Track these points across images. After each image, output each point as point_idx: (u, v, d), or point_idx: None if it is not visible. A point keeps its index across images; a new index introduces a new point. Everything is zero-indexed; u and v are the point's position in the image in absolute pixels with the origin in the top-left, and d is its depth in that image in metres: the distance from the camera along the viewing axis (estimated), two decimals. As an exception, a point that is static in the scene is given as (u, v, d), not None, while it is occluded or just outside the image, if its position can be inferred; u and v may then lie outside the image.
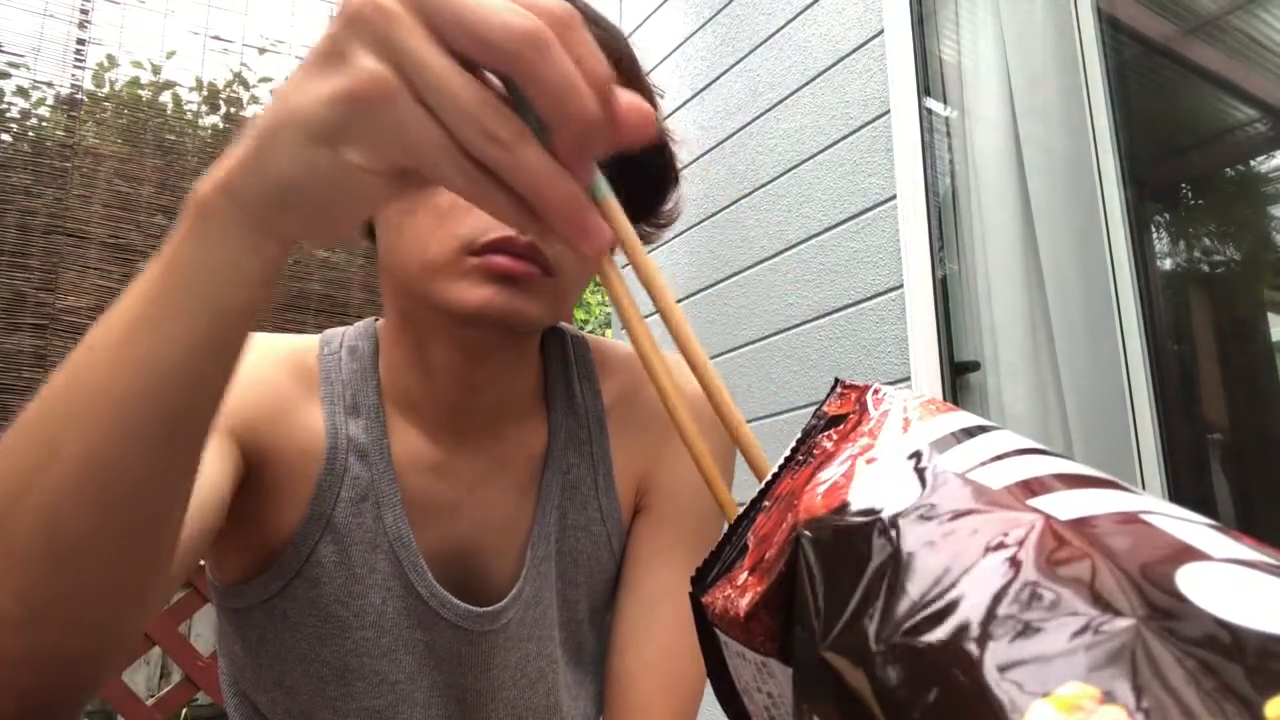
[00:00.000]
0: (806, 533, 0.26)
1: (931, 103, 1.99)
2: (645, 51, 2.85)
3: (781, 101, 2.30)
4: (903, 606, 0.21)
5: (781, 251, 2.23)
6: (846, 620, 0.22)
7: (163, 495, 0.37)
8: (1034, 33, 1.91)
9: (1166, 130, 1.96)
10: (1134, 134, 1.79)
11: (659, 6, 2.86)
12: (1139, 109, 1.86)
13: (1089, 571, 0.19)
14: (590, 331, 1.85)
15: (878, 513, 0.24)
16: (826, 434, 0.31)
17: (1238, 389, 1.82)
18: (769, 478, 0.32)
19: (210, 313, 0.34)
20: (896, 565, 0.22)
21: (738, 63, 2.47)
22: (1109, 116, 1.79)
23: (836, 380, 0.34)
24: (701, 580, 0.31)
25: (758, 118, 2.37)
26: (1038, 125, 1.88)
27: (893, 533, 0.23)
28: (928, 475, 0.25)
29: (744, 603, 0.28)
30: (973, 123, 1.97)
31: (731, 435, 0.34)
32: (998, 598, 0.20)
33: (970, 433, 0.27)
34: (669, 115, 2.70)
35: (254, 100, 3.30)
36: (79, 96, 2.98)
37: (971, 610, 0.20)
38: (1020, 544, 0.21)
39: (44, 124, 2.98)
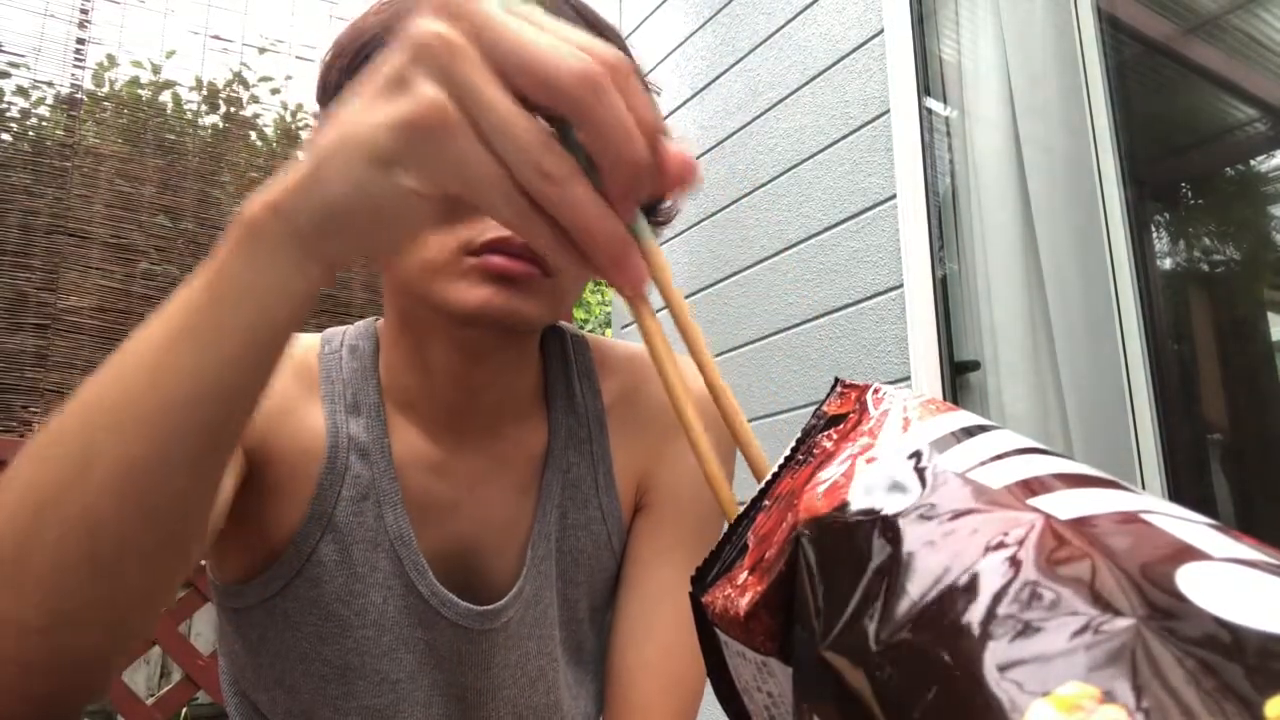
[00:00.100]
0: (806, 532, 0.26)
1: (931, 102, 1.99)
2: (645, 51, 2.85)
3: (781, 101, 2.30)
4: (903, 606, 0.21)
5: (781, 251, 2.23)
6: (846, 620, 0.22)
7: (198, 502, 0.38)
8: (1034, 32, 1.91)
9: (1166, 130, 1.96)
10: (1134, 134, 1.79)
11: (659, 6, 2.86)
12: (1139, 109, 1.86)
13: (1089, 571, 0.19)
14: (590, 331, 1.85)
15: (878, 512, 0.24)
16: (826, 433, 0.31)
17: (1238, 389, 1.82)
18: (769, 477, 0.32)
19: (255, 328, 0.34)
20: (896, 565, 0.22)
21: (737, 62, 2.47)
22: (1109, 116, 1.79)
23: (836, 380, 0.34)
24: (701, 580, 0.31)
25: (758, 117, 2.37)
26: (1038, 125, 1.88)
27: (892, 532, 0.23)
28: (928, 475, 0.25)
29: (744, 602, 0.28)
30: (973, 122, 1.97)
31: (733, 434, 0.34)
32: (998, 597, 0.20)
33: (970, 432, 0.27)
34: (669, 115, 2.70)
35: (254, 100, 3.30)
36: (79, 96, 2.98)
37: (971, 610, 0.20)
38: (1020, 543, 0.21)
39: (44, 124, 2.98)
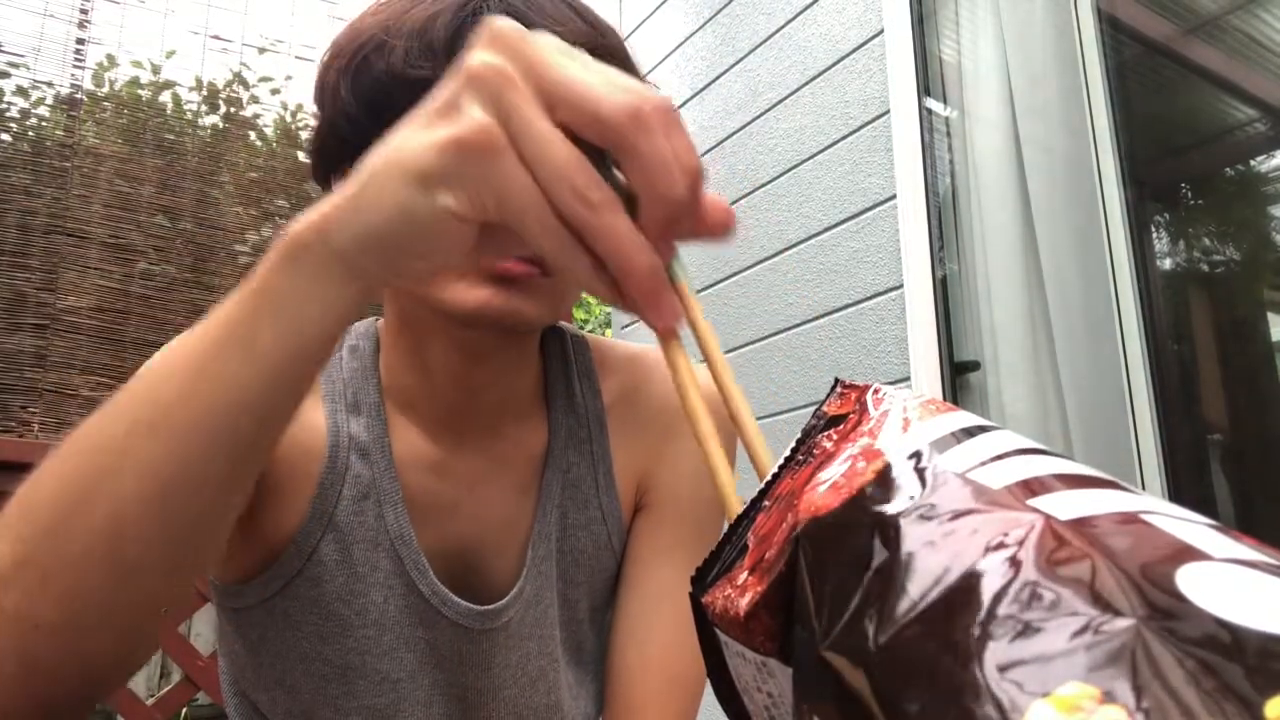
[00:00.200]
0: (807, 532, 0.26)
1: (931, 103, 1.99)
2: (645, 51, 2.85)
3: (781, 101, 2.30)
4: (903, 606, 0.21)
5: (781, 251, 2.23)
6: (846, 620, 0.22)
7: (222, 518, 0.38)
8: (1034, 33, 1.91)
9: (1166, 130, 1.96)
10: (1134, 134, 1.79)
11: (659, 6, 2.86)
12: (1139, 109, 1.86)
13: (1089, 571, 0.19)
14: (590, 331, 1.86)
15: (878, 513, 0.24)
16: (826, 434, 0.31)
17: (1238, 389, 1.82)
18: (769, 477, 0.32)
19: (295, 346, 0.35)
20: (896, 565, 0.22)
21: (737, 63, 2.48)
22: (1109, 116, 1.79)
23: (836, 380, 0.34)
24: (701, 580, 0.31)
25: (758, 118, 2.37)
26: (1038, 125, 1.88)
27: (893, 533, 0.23)
28: (928, 475, 0.25)
29: (744, 602, 0.28)
30: (973, 123, 1.97)
31: (740, 432, 0.34)
32: (998, 598, 0.20)
33: (970, 432, 0.27)
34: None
35: (254, 100, 3.30)
36: (79, 96, 2.98)
37: (971, 610, 0.20)
38: (1020, 544, 0.21)
39: (44, 124, 2.98)
